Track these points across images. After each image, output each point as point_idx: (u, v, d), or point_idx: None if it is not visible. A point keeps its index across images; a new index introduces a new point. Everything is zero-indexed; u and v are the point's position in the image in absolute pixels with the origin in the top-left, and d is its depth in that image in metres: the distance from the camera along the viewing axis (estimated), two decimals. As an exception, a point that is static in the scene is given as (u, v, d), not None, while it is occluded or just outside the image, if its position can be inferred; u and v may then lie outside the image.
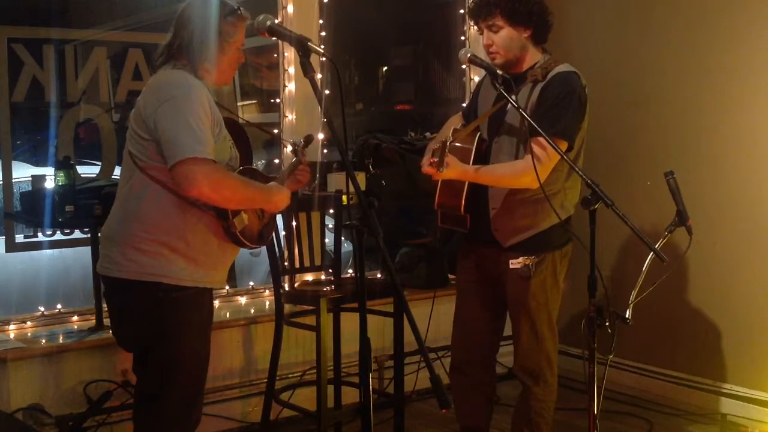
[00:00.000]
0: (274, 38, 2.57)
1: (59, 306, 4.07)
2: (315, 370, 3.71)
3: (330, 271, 4.26)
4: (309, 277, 4.29)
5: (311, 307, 3.71)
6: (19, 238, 4.19)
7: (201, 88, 2.60)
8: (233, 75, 2.82)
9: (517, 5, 3.02)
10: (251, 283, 4.62)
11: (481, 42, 3.18)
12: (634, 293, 3.21)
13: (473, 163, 3.09)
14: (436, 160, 2.83)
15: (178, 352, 2.66)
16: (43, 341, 3.74)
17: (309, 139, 3.09)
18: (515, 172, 3.03)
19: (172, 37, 2.71)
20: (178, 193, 2.56)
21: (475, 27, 3.19)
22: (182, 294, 2.63)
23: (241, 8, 2.74)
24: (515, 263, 3.12)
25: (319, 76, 4.40)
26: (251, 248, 2.78)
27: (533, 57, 3.13)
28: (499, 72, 2.96)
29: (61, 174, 3.99)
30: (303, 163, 3.02)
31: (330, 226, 4.34)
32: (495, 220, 3.14)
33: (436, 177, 2.96)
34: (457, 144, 3.07)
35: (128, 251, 2.61)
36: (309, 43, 2.41)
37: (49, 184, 4.14)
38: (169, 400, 2.67)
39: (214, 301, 4.29)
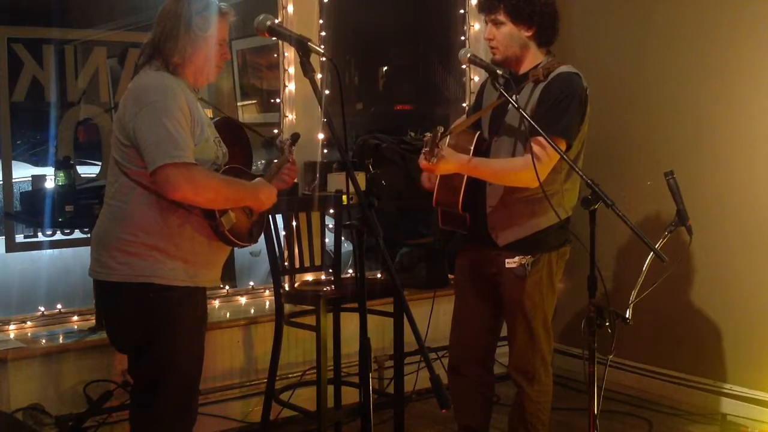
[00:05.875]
0: (274, 38, 2.56)
1: (59, 306, 4.07)
2: (315, 370, 3.71)
3: (330, 271, 4.26)
4: (309, 277, 4.29)
5: (311, 307, 3.71)
6: (19, 238, 4.19)
7: (179, 90, 2.60)
8: (217, 72, 2.79)
9: (521, 3, 3.02)
10: (251, 283, 4.62)
11: (482, 38, 3.19)
12: (634, 293, 3.22)
13: (472, 163, 3.09)
14: (427, 150, 2.83)
15: (172, 351, 2.66)
16: (43, 341, 3.74)
17: (295, 137, 3.03)
18: (514, 168, 3.03)
19: (151, 34, 2.71)
20: (163, 196, 2.56)
21: (483, 21, 3.21)
22: (174, 294, 2.63)
23: (220, 3, 2.73)
24: (511, 263, 3.12)
25: (319, 76, 4.40)
26: (241, 246, 2.78)
27: (535, 57, 3.13)
28: (499, 72, 2.97)
29: (61, 174, 3.99)
30: (291, 162, 2.98)
31: (330, 226, 4.34)
32: (491, 218, 3.14)
33: (433, 171, 2.96)
34: (457, 142, 3.08)
35: (118, 255, 2.62)
36: (309, 43, 2.41)
37: (49, 184, 4.14)
38: (164, 399, 2.68)
39: (214, 301, 4.34)
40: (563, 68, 3.09)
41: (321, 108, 2.40)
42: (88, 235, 3.93)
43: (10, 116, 3.98)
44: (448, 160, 2.93)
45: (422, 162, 2.91)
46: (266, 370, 3.86)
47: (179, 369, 2.68)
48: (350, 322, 3.87)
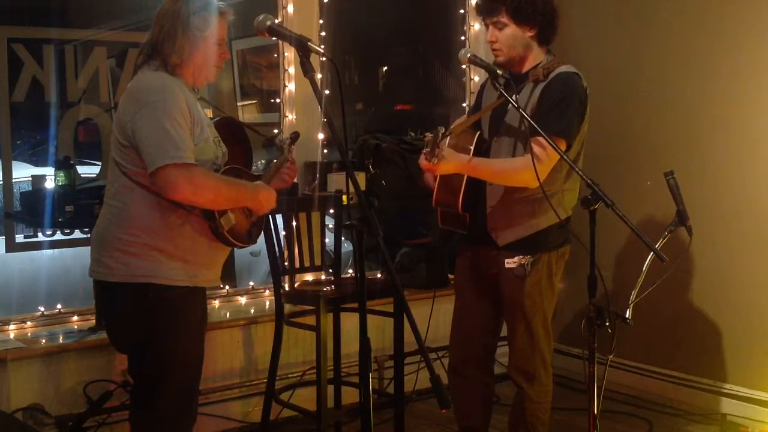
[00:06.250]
0: (274, 38, 2.56)
1: (59, 306, 4.06)
2: (315, 370, 3.71)
3: (330, 271, 4.26)
4: (309, 277, 4.29)
5: (311, 307, 3.71)
6: (19, 238, 4.19)
7: (178, 90, 2.60)
8: (216, 72, 2.78)
9: (523, 4, 3.02)
10: (251, 283, 4.62)
11: (483, 38, 3.18)
12: (634, 293, 3.21)
13: (472, 163, 3.09)
14: (428, 150, 2.83)
15: (172, 351, 2.66)
16: (43, 341, 3.74)
17: (295, 136, 3.01)
18: (514, 168, 3.03)
19: (149, 34, 2.71)
20: (163, 196, 2.56)
21: (482, 23, 3.20)
22: (174, 294, 2.63)
23: (219, 2, 2.73)
24: (510, 263, 3.11)
25: (319, 76, 4.40)
26: (240, 247, 2.78)
27: (537, 57, 3.13)
28: (499, 72, 2.97)
29: (61, 174, 3.98)
30: (291, 161, 2.96)
31: (330, 226, 4.34)
32: (491, 218, 3.14)
33: (433, 171, 2.96)
34: (457, 143, 3.08)
35: (117, 255, 2.62)
36: (309, 43, 2.40)
37: (49, 184, 4.14)
38: (164, 399, 2.68)
39: (214, 301, 4.34)
40: (563, 68, 3.09)
41: (321, 108, 2.40)
42: (88, 235, 3.93)
43: (10, 116, 3.98)
44: (448, 161, 2.93)
45: (423, 162, 2.91)
46: (266, 370, 3.86)
47: (179, 369, 2.68)
48: (350, 322, 3.87)
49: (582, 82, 3.09)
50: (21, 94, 4.02)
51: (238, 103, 5.59)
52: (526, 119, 2.88)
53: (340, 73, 2.49)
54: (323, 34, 4.63)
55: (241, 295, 4.51)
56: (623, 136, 4.72)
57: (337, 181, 4.37)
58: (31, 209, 4.08)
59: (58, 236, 4.12)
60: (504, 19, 3.05)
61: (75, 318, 4.02)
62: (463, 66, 4.62)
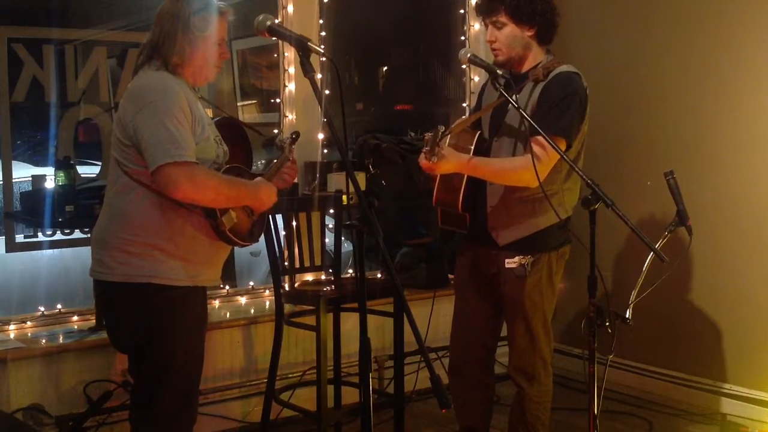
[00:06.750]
0: (274, 38, 2.56)
1: (59, 306, 4.07)
2: (315, 370, 3.70)
3: (330, 271, 4.26)
4: (309, 277, 4.29)
5: (311, 307, 3.71)
6: (19, 238, 4.19)
7: (179, 89, 2.60)
8: (216, 71, 2.78)
9: (522, 3, 3.02)
10: (251, 283, 4.62)
11: (483, 38, 3.18)
12: (634, 293, 3.22)
13: (472, 163, 3.09)
14: (428, 149, 2.83)
15: (172, 351, 2.66)
16: (43, 341, 3.74)
17: (295, 136, 3.00)
18: (514, 168, 3.03)
19: (150, 35, 2.72)
20: (164, 195, 2.57)
21: (482, 23, 3.20)
22: (174, 293, 2.63)
23: (218, 3, 2.73)
24: (511, 263, 3.11)
25: (319, 76, 4.40)
26: (242, 246, 2.78)
27: (536, 57, 3.13)
28: (499, 72, 2.97)
29: (61, 174, 3.98)
30: (291, 161, 2.96)
31: (330, 226, 4.34)
32: (491, 217, 3.14)
33: (433, 170, 2.96)
34: (457, 142, 3.08)
35: (117, 254, 2.62)
36: (309, 43, 2.40)
37: (49, 184, 4.14)
38: (164, 399, 2.68)
39: (214, 301, 4.34)
40: (563, 68, 3.09)
41: (321, 108, 2.40)
42: (88, 235, 3.94)
43: (10, 116, 3.98)
44: (448, 160, 2.93)
45: (422, 161, 2.91)
46: (266, 370, 3.86)
47: (179, 369, 2.68)
48: (350, 322, 3.87)
49: (582, 82, 3.09)
50: (21, 94, 4.02)
51: (238, 103, 5.59)
52: (526, 119, 2.88)
53: (340, 73, 2.50)
54: (323, 34, 4.63)
55: (241, 295, 4.51)
56: (623, 136, 4.72)
57: (337, 181, 4.37)
58: (31, 209, 4.08)
59: (58, 236, 4.12)
60: (503, 19, 3.06)
61: (75, 318, 4.02)
62: (463, 66, 4.63)
